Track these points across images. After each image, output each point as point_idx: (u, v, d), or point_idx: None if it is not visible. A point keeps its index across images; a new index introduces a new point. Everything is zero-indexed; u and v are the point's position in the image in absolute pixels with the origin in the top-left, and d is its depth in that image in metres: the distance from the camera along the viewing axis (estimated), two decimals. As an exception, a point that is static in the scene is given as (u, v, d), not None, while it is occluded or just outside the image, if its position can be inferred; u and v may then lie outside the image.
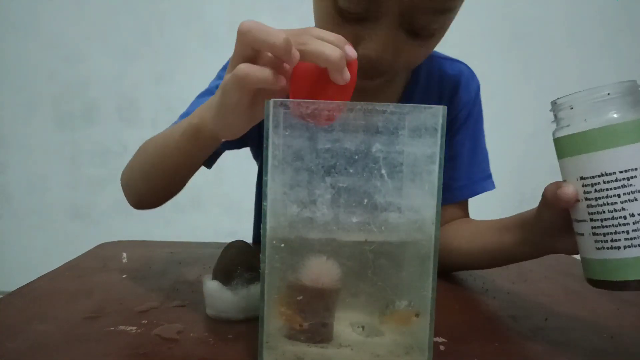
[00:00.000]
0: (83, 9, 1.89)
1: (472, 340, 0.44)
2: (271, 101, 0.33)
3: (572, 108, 0.39)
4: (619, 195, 0.37)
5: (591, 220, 0.39)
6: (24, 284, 0.56)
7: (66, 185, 1.93)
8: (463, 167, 0.74)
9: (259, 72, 0.38)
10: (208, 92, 0.71)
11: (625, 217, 0.37)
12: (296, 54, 0.39)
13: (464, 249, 0.64)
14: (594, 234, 0.39)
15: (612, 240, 0.38)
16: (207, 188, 1.93)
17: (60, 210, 1.93)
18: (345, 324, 0.36)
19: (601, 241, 0.38)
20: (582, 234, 0.40)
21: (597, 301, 0.57)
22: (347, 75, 0.39)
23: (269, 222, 0.34)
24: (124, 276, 0.61)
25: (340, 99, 0.40)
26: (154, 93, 1.89)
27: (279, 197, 0.34)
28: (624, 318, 0.52)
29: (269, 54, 0.39)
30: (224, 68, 0.72)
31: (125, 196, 0.67)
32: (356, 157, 0.34)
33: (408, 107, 0.34)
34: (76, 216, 1.94)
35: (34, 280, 0.57)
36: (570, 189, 0.39)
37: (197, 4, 1.88)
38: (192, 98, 0.72)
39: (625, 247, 0.37)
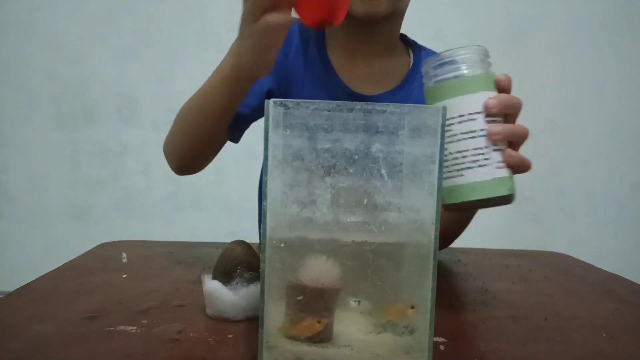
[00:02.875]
0: (83, 9, 1.88)
1: (472, 340, 0.44)
2: (271, 101, 0.33)
3: (425, 71, 0.49)
4: (455, 135, 0.46)
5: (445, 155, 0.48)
6: (24, 284, 0.56)
7: (66, 185, 1.93)
8: None
9: (285, 15, 0.47)
10: None
11: (446, 155, 0.46)
12: None
13: None
14: (445, 166, 0.48)
15: (448, 172, 0.47)
16: (207, 188, 1.93)
17: (60, 210, 1.93)
18: (346, 323, 0.36)
19: (445, 172, 0.47)
20: None
21: (597, 301, 0.57)
22: None
23: (269, 222, 0.34)
24: (124, 276, 0.61)
25: None
26: (154, 93, 1.89)
27: (279, 197, 0.34)
28: (624, 318, 0.52)
29: None
30: None
31: (169, 163, 0.72)
32: (356, 157, 0.34)
33: (408, 107, 0.34)
34: (76, 216, 1.94)
35: (34, 280, 0.57)
36: None
37: (197, 4, 1.88)
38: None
39: (446, 177, 0.47)
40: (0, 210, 1.94)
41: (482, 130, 0.46)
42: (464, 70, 0.47)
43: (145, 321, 0.45)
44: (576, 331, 0.47)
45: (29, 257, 1.90)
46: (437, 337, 0.43)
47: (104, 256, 0.70)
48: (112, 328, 0.43)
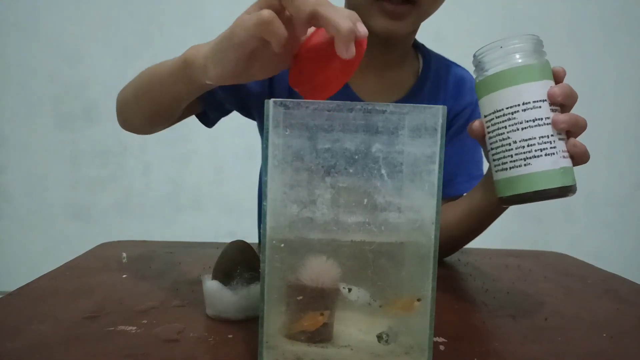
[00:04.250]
0: (83, 9, 1.88)
1: (472, 340, 0.44)
2: (271, 101, 0.33)
3: (478, 62, 0.49)
4: (505, 127, 0.46)
5: (491, 149, 0.49)
6: (24, 284, 0.56)
7: (66, 185, 1.93)
8: (463, 164, 0.75)
9: (281, 27, 0.39)
10: None
11: (510, 144, 0.46)
12: (310, 28, 0.41)
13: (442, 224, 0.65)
14: (493, 159, 0.49)
15: (502, 164, 0.47)
16: (207, 188, 1.93)
17: (60, 210, 1.93)
18: (346, 323, 0.36)
19: (495, 165, 0.48)
20: (490, 163, 0.50)
21: (597, 301, 0.57)
22: (352, 50, 0.39)
23: (269, 222, 0.34)
24: (124, 276, 0.61)
25: (341, 76, 0.42)
26: (154, 93, 1.89)
27: (279, 197, 0.34)
28: (624, 318, 0.52)
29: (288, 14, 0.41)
30: None
31: (117, 115, 0.69)
32: (356, 157, 0.34)
33: (408, 107, 0.34)
34: (76, 216, 1.94)
35: (34, 280, 0.57)
36: (475, 124, 0.50)
37: (197, 4, 1.88)
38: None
39: (510, 168, 0.47)
40: (0, 210, 1.94)
41: (547, 118, 0.45)
42: (527, 58, 0.46)
43: (145, 321, 0.45)
44: (576, 331, 0.47)
45: (29, 257, 1.90)
46: (437, 337, 0.43)
47: (104, 256, 0.70)
48: (112, 328, 0.43)
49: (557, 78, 0.48)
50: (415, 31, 0.73)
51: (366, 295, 0.35)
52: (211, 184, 1.93)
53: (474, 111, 0.78)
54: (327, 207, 0.34)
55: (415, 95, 0.74)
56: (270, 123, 0.33)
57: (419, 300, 0.35)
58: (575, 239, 2.00)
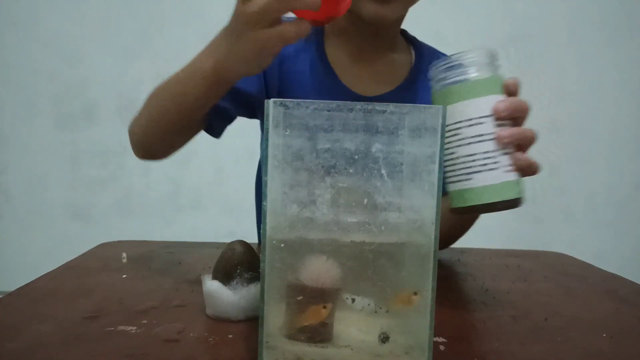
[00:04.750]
0: (83, 9, 1.88)
1: (472, 340, 0.44)
2: (271, 101, 0.33)
3: (430, 77, 0.50)
4: (452, 142, 0.47)
5: (445, 162, 0.48)
6: (24, 284, 0.56)
7: (66, 185, 1.93)
8: None
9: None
10: None
11: (456, 159, 0.47)
12: None
13: None
14: (444, 172, 0.48)
15: (450, 177, 0.48)
16: (207, 188, 1.93)
17: (60, 210, 1.93)
18: (346, 323, 0.36)
19: (446, 177, 0.49)
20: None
21: (597, 301, 0.57)
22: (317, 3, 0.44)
23: (269, 222, 0.34)
24: (124, 276, 0.61)
25: None
26: (154, 93, 1.89)
27: (279, 197, 0.34)
28: (624, 318, 0.52)
29: None
30: None
31: (133, 146, 0.68)
32: (356, 157, 0.34)
33: (408, 107, 0.34)
34: (76, 216, 1.94)
35: (34, 280, 0.57)
36: None
37: (197, 4, 1.88)
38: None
39: (456, 181, 0.48)
40: (0, 210, 1.94)
41: (491, 134, 0.46)
42: (473, 74, 0.47)
43: (145, 321, 0.45)
44: (576, 331, 0.47)
45: (29, 257, 1.90)
46: (437, 337, 0.43)
47: (104, 256, 0.70)
48: (112, 328, 0.43)
49: (508, 91, 0.48)
50: (403, 17, 0.72)
51: (371, 303, 0.35)
52: (211, 184, 1.93)
53: None
54: (327, 207, 0.34)
55: (408, 87, 0.73)
56: (270, 123, 0.33)
57: (415, 294, 0.35)
58: (575, 239, 2.00)
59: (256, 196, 0.93)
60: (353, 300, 0.35)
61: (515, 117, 0.47)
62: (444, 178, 0.49)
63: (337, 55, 0.73)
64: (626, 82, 2.00)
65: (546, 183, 1.98)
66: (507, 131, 0.45)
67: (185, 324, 0.45)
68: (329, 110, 0.34)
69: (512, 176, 0.47)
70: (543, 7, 1.96)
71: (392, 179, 0.34)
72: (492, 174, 0.46)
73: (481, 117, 0.46)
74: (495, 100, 0.46)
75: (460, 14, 1.89)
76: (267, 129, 0.33)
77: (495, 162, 0.46)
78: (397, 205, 0.35)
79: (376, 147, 0.34)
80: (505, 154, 0.46)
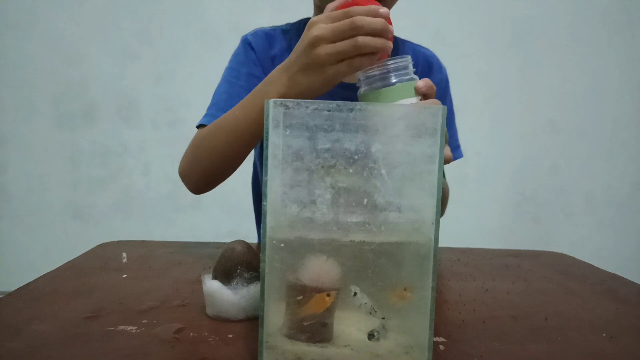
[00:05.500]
0: (83, 9, 1.88)
1: (472, 340, 0.44)
2: (271, 101, 0.33)
3: (358, 77, 0.52)
4: None
5: None
6: (24, 284, 0.56)
7: (66, 185, 1.93)
8: None
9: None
10: (234, 72, 0.77)
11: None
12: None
13: None
14: None
15: None
16: (207, 188, 1.93)
17: (60, 210, 1.93)
18: (346, 323, 0.36)
19: None
20: None
21: (597, 301, 0.57)
22: (390, 45, 0.50)
23: (269, 222, 0.34)
24: (124, 276, 0.61)
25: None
26: (154, 93, 1.89)
27: (279, 197, 0.34)
28: (624, 318, 0.52)
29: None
30: (237, 54, 0.78)
31: (187, 183, 0.73)
32: (356, 157, 0.34)
33: (408, 107, 0.34)
34: (76, 216, 1.94)
35: (34, 280, 0.57)
36: None
37: (197, 4, 1.88)
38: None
39: None
40: (0, 210, 1.94)
41: None
42: (388, 80, 0.50)
43: (145, 321, 0.45)
44: (576, 331, 0.47)
45: (29, 257, 1.90)
46: (437, 337, 0.43)
47: (104, 256, 0.70)
48: (112, 328, 0.43)
49: (419, 93, 0.51)
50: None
51: (368, 303, 0.35)
52: (211, 184, 1.93)
53: (445, 88, 0.84)
54: (327, 207, 0.34)
55: None
56: (270, 123, 0.33)
57: (405, 289, 0.35)
58: (575, 239, 2.00)
59: (253, 196, 0.94)
60: (355, 293, 0.35)
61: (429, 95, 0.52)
62: None
63: None
64: (626, 82, 2.00)
65: (546, 183, 1.98)
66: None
67: (185, 324, 0.45)
68: (328, 110, 0.34)
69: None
70: (543, 7, 1.96)
71: (392, 179, 0.34)
72: None
73: None
74: (409, 103, 0.50)
75: (461, 14, 1.89)
76: (267, 129, 0.33)
77: None
78: (397, 205, 0.35)
79: (376, 147, 0.34)
80: None
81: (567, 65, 1.98)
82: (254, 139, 0.62)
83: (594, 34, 1.98)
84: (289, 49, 0.78)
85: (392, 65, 0.51)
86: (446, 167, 0.67)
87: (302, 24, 0.80)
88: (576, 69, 1.98)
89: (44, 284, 0.56)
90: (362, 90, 0.52)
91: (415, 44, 0.86)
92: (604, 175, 2.02)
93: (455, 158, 0.83)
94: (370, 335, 0.35)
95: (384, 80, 0.51)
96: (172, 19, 1.90)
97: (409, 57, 0.51)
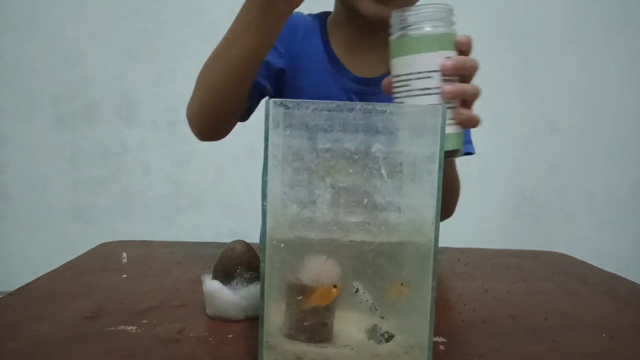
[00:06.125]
0: (83, 9, 1.88)
1: (472, 340, 0.44)
2: (271, 101, 0.33)
3: (390, 24, 0.51)
4: (401, 92, 0.48)
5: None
6: (24, 284, 0.56)
7: (66, 185, 1.93)
8: None
9: None
10: None
11: None
12: None
13: None
14: None
15: None
16: (207, 188, 1.93)
17: (60, 210, 1.93)
18: (346, 323, 0.36)
19: None
20: None
21: (597, 301, 0.57)
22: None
23: (269, 222, 0.34)
24: (124, 276, 0.61)
25: None
26: (154, 93, 1.89)
27: (279, 197, 0.34)
28: (624, 318, 0.52)
29: None
30: None
31: (192, 127, 0.70)
32: (356, 157, 0.34)
33: (408, 107, 0.34)
34: (76, 216, 1.94)
35: (34, 280, 0.57)
36: (385, 82, 0.52)
37: (197, 4, 1.88)
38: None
39: None
40: (0, 210, 1.94)
41: (437, 88, 0.48)
42: (426, 28, 0.48)
43: (145, 321, 0.45)
44: (576, 331, 0.47)
45: (29, 257, 1.90)
46: (437, 337, 0.43)
47: (104, 256, 0.70)
48: (112, 328, 0.43)
49: (460, 49, 0.50)
50: None
51: (369, 300, 0.35)
52: (211, 184, 1.93)
53: None
54: (327, 207, 0.34)
55: None
56: (270, 123, 0.33)
57: (402, 284, 0.35)
58: (575, 239, 2.00)
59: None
60: (357, 290, 0.35)
61: (462, 74, 0.50)
62: None
63: (338, 44, 0.80)
64: (626, 82, 1.99)
65: (546, 183, 1.98)
66: (451, 87, 0.48)
67: (185, 324, 0.45)
68: (329, 110, 0.34)
69: (453, 129, 0.49)
70: (543, 7, 1.96)
71: (392, 179, 0.34)
72: None
73: (429, 72, 0.48)
74: (444, 57, 0.48)
75: (461, 14, 1.89)
76: (267, 129, 0.33)
77: None
78: (397, 205, 0.35)
79: (376, 147, 0.34)
80: (449, 108, 0.49)
81: (567, 65, 1.98)
82: (246, 64, 0.60)
83: (594, 34, 1.98)
84: (311, 35, 0.79)
85: (432, 11, 0.48)
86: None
87: (325, 15, 0.82)
88: (576, 69, 1.98)
89: (44, 284, 0.56)
90: (395, 35, 0.50)
91: None
92: (604, 175, 2.02)
93: (466, 152, 0.84)
94: (382, 335, 0.35)
95: (415, 28, 0.48)
96: (172, 19, 1.90)
97: (449, 5, 0.49)
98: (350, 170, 0.34)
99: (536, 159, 1.96)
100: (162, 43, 1.89)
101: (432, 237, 0.34)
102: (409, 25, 0.48)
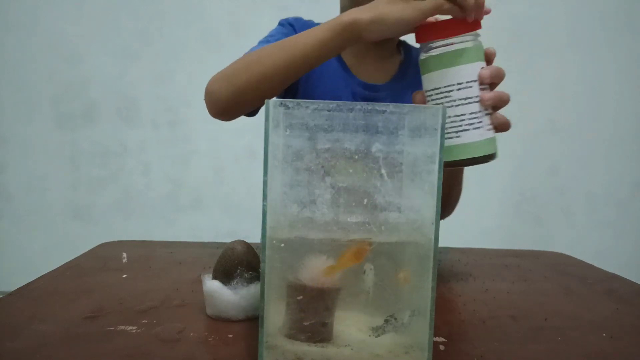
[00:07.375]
0: (83, 9, 1.88)
1: (472, 340, 0.44)
2: (271, 101, 0.33)
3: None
4: (442, 104, 0.52)
5: None
6: (24, 284, 0.56)
7: (66, 185, 1.93)
8: None
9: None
10: (269, 38, 0.79)
11: (450, 117, 0.52)
12: None
13: None
14: None
15: (445, 134, 0.51)
16: (207, 188, 1.93)
17: (60, 210, 1.93)
18: (346, 323, 0.36)
19: None
20: None
21: (597, 301, 0.57)
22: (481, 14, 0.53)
23: (269, 222, 0.34)
24: (124, 276, 0.61)
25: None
26: (154, 93, 1.89)
27: (279, 197, 0.34)
28: (623, 318, 0.52)
29: None
30: (275, 30, 0.82)
31: (212, 102, 0.69)
32: (356, 157, 0.34)
33: (408, 107, 0.34)
34: (76, 216, 1.94)
35: (34, 280, 0.57)
36: (418, 97, 0.56)
37: (197, 4, 1.88)
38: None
39: (445, 139, 0.51)
40: (0, 210, 1.94)
41: (477, 96, 0.52)
42: (466, 42, 0.52)
43: (145, 321, 0.45)
44: (576, 331, 0.47)
45: (29, 257, 1.90)
46: (437, 337, 0.43)
47: (104, 256, 0.70)
48: (112, 328, 0.43)
49: (488, 58, 0.54)
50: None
51: (377, 283, 0.35)
52: (211, 184, 1.93)
53: None
54: (327, 207, 0.34)
55: (402, 77, 0.85)
56: (270, 123, 0.33)
57: (400, 274, 0.35)
58: (575, 239, 2.00)
59: None
60: (365, 271, 0.35)
61: (494, 83, 0.54)
62: None
63: (348, 55, 0.85)
64: (626, 82, 1.99)
65: (546, 183, 1.98)
66: (490, 94, 0.52)
67: (185, 324, 0.45)
68: (329, 110, 0.34)
69: (491, 133, 0.53)
70: (543, 7, 1.96)
71: (392, 179, 0.34)
72: (478, 132, 0.52)
73: (469, 82, 0.51)
74: (479, 67, 0.52)
75: (460, 14, 1.89)
76: (267, 129, 0.33)
77: (479, 122, 0.52)
78: (397, 205, 0.35)
79: (376, 147, 0.34)
80: (487, 114, 0.53)
81: (567, 65, 1.98)
82: (299, 69, 0.62)
83: (594, 34, 1.97)
84: None
85: (459, 37, 0.52)
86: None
87: None
88: (576, 69, 1.98)
89: (44, 284, 0.56)
90: (432, 52, 0.53)
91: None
92: (604, 175, 2.02)
93: None
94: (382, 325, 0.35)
95: (465, 39, 0.52)
96: (172, 19, 1.90)
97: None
98: (350, 170, 0.34)
99: (536, 159, 1.96)
100: (162, 43, 1.89)
101: (432, 237, 0.34)
102: (448, 41, 0.52)
